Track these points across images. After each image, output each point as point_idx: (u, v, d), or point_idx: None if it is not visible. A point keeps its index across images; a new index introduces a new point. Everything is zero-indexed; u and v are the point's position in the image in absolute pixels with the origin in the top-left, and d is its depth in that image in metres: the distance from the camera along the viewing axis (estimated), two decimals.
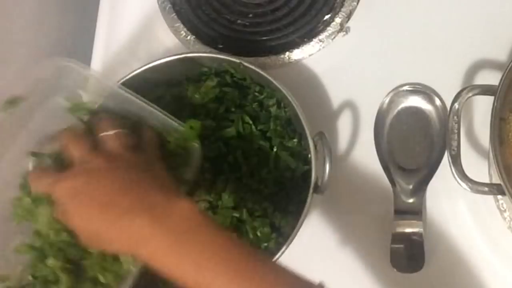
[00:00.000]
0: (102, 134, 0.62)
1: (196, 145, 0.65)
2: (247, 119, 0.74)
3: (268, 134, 0.74)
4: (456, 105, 0.68)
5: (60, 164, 0.62)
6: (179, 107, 0.75)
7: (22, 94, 0.65)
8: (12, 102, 0.64)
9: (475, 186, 0.66)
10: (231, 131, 0.73)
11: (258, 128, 0.74)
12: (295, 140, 0.73)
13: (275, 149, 0.73)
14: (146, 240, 0.53)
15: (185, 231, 0.53)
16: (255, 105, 0.75)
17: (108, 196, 0.55)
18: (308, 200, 0.68)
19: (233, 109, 0.74)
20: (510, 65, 0.66)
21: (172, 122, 0.65)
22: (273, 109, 0.75)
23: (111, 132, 0.61)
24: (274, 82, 0.73)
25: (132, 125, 0.65)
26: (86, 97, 0.67)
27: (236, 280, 0.52)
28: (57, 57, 0.67)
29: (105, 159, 0.59)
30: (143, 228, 0.53)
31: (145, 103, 0.66)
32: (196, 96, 0.75)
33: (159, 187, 0.57)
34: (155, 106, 0.66)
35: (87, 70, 0.68)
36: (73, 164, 0.60)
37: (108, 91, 0.67)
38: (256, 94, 0.75)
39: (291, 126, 0.74)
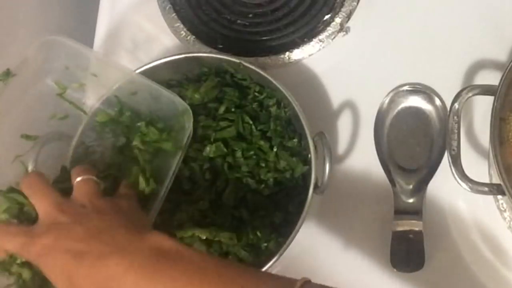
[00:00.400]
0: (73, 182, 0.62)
1: (186, 106, 0.65)
2: (247, 119, 0.74)
3: (268, 134, 0.74)
4: (456, 105, 0.68)
5: (25, 215, 0.62)
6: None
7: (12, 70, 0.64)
8: (3, 75, 0.64)
9: (475, 186, 0.66)
10: (231, 131, 0.73)
11: (258, 128, 0.74)
12: (295, 140, 0.73)
13: (275, 149, 0.73)
14: (121, 277, 0.54)
15: (158, 261, 0.54)
16: (255, 105, 0.75)
17: (80, 244, 0.56)
18: (308, 200, 0.68)
19: (233, 109, 0.74)
20: (510, 65, 0.66)
21: (163, 90, 0.66)
22: (273, 109, 0.75)
23: (79, 179, 0.61)
24: (274, 82, 0.73)
25: (106, 171, 0.65)
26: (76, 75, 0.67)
27: None
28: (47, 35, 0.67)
29: (72, 213, 0.58)
30: (117, 267, 0.54)
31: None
32: (196, 96, 0.75)
33: (129, 228, 0.57)
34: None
35: (76, 44, 0.68)
36: (39, 218, 0.59)
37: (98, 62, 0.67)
38: (256, 94, 0.75)
39: (291, 126, 0.74)
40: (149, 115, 0.66)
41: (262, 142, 0.73)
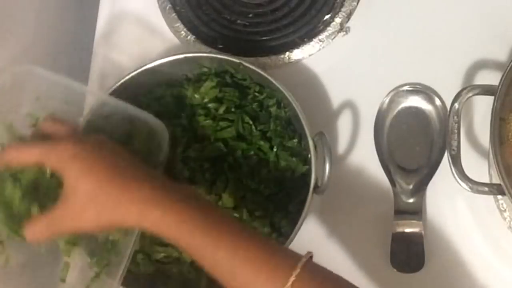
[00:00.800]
0: None
1: (161, 125, 0.65)
2: (247, 119, 0.74)
3: (268, 134, 0.73)
4: (456, 105, 0.68)
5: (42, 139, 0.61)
6: (179, 107, 0.76)
7: None
8: None
9: (475, 186, 0.66)
10: (231, 131, 0.73)
11: (258, 128, 0.74)
12: (295, 140, 0.73)
13: (275, 149, 0.73)
14: (157, 203, 0.54)
15: (189, 196, 0.56)
16: (255, 105, 0.75)
17: (111, 163, 0.56)
18: (308, 200, 0.68)
19: (233, 109, 0.74)
20: (510, 65, 0.66)
21: (137, 111, 0.66)
22: (273, 109, 0.75)
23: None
24: (274, 82, 0.73)
25: None
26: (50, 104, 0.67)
27: (239, 243, 0.54)
28: (18, 65, 0.67)
29: (94, 138, 0.59)
30: (154, 191, 0.55)
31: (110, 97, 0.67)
32: (196, 96, 0.75)
33: (140, 168, 0.58)
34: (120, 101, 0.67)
35: (46, 73, 0.67)
36: (61, 137, 0.60)
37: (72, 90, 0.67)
38: (256, 94, 0.75)
39: (291, 126, 0.74)
40: (123, 137, 0.65)
41: (262, 142, 0.73)
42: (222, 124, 0.73)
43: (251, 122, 0.74)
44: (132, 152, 0.60)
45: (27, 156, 0.58)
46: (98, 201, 0.55)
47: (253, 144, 0.73)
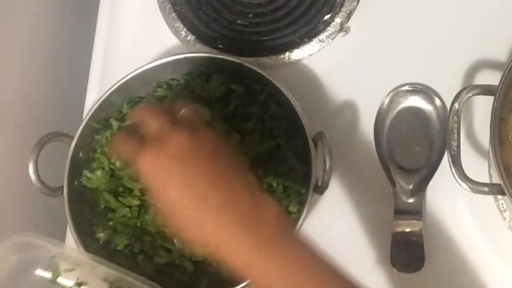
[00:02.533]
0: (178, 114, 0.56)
1: None
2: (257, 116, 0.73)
3: (274, 133, 0.73)
4: (456, 105, 0.68)
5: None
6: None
7: None
8: None
9: (475, 186, 0.66)
10: (248, 125, 0.72)
11: (266, 125, 0.73)
12: (300, 139, 0.73)
13: (282, 149, 0.72)
14: (233, 239, 0.51)
15: (272, 238, 0.52)
16: (257, 103, 0.75)
17: (201, 185, 0.52)
18: (308, 200, 0.68)
19: (240, 108, 0.74)
20: (510, 65, 0.66)
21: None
22: (273, 109, 0.75)
23: (184, 110, 0.56)
24: (274, 82, 0.73)
25: None
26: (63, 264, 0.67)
27: None
28: (17, 235, 0.67)
29: (189, 132, 0.53)
30: (232, 227, 0.51)
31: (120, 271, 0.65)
32: (204, 94, 0.74)
33: (245, 183, 0.54)
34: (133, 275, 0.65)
35: (51, 245, 0.68)
36: (153, 132, 0.54)
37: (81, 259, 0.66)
38: (258, 93, 0.75)
39: (293, 126, 0.74)
40: None
41: (271, 141, 0.73)
42: (233, 124, 0.73)
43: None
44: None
45: (122, 149, 0.55)
46: (173, 215, 0.53)
47: (262, 145, 0.73)
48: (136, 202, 0.72)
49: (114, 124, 0.76)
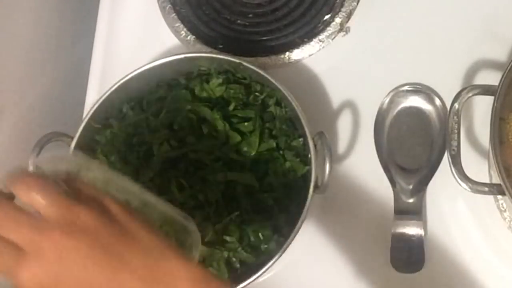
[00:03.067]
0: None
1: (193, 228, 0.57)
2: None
3: (274, 133, 0.73)
4: (456, 105, 0.68)
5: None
6: (180, 108, 0.75)
7: None
8: None
9: (475, 186, 0.66)
10: (248, 126, 0.72)
11: (266, 126, 0.73)
12: (300, 139, 0.72)
13: (281, 149, 0.72)
14: None
15: None
16: (257, 104, 0.75)
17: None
18: (308, 200, 0.68)
19: (239, 108, 0.74)
20: (510, 65, 0.66)
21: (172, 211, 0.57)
22: (273, 109, 0.74)
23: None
24: (274, 82, 0.73)
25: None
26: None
27: None
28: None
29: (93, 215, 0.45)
30: None
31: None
32: (204, 94, 0.74)
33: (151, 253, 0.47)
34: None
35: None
36: (46, 213, 0.45)
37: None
38: (257, 94, 0.75)
39: (293, 126, 0.74)
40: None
41: (271, 141, 0.73)
42: (235, 120, 0.73)
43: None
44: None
45: (15, 236, 0.45)
46: None
47: (264, 143, 0.73)
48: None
49: (114, 124, 0.75)
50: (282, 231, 0.70)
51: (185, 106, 0.73)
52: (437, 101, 0.77)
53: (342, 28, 0.82)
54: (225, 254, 0.69)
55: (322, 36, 0.82)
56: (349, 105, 0.80)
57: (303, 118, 0.71)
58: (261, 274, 0.66)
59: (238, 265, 0.70)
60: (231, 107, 0.74)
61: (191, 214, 0.68)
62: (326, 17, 0.83)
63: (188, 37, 0.85)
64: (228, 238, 0.69)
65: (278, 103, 0.74)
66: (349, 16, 0.82)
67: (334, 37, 0.82)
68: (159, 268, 0.46)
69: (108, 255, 0.45)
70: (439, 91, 0.77)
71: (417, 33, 0.81)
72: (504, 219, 0.73)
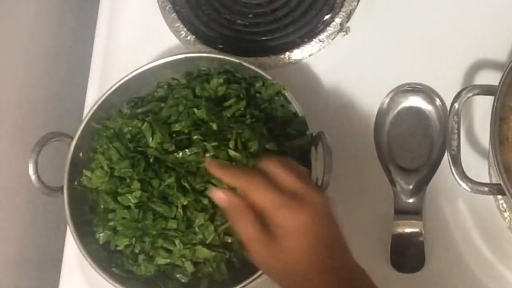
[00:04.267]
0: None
1: None
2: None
3: (275, 133, 0.73)
4: (456, 105, 0.68)
5: None
6: (181, 109, 0.75)
7: None
8: None
9: (475, 186, 0.66)
10: (248, 125, 0.72)
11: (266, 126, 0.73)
12: (300, 139, 0.72)
13: (282, 149, 0.72)
14: None
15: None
16: (258, 104, 0.75)
17: (324, 248, 0.58)
18: None
19: (242, 109, 0.74)
20: (510, 65, 0.66)
21: None
22: (273, 109, 0.74)
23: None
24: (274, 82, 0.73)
25: None
26: None
27: None
28: None
29: (322, 195, 0.60)
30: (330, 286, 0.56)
31: None
32: (205, 94, 0.74)
33: (338, 243, 0.60)
34: None
35: None
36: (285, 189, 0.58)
37: None
38: (258, 94, 0.75)
39: (293, 126, 0.74)
40: None
41: (271, 142, 0.72)
42: (235, 120, 0.72)
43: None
44: None
45: (257, 196, 0.58)
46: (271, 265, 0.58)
47: (264, 143, 0.72)
48: (134, 200, 0.71)
49: (114, 124, 0.75)
50: None
51: (186, 106, 0.73)
52: (437, 101, 0.77)
53: (342, 28, 0.82)
54: (226, 254, 0.69)
55: (322, 36, 0.82)
56: (349, 105, 0.80)
57: (303, 118, 0.71)
58: (261, 274, 0.66)
59: (238, 265, 0.70)
60: (231, 107, 0.73)
61: (195, 217, 0.69)
62: (326, 17, 0.83)
63: (188, 37, 0.85)
64: (229, 239, 0.69)
65: (278, 103, 0.74)
66: (349, 16, 0.82)
67: (334, 37, 0.82)
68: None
69: (339, 239, 0.60)
70: (439, 91, 0.77)
71: (417, 33, 0.81)
72: (504, 219, 0.73)
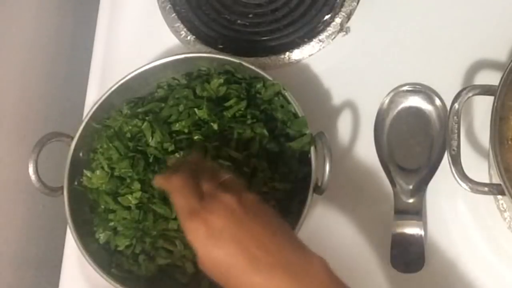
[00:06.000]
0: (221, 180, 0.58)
1: None
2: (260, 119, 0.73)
3: (276, 133, 0.73)
4: (456, 105, 0.68)
5: None
6: (181, 108, 0.75)
7: None
8: None
9: (475, 186, 0.66)
10: (248, 126, 0.72)
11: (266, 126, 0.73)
12: (300, 139, 0.72)
13: (282, 150, 0.72)
14: None
15: None
16: (258, 104, 0.75)
17: (251, 244, 0.54)
18: (308, 200, 0.68)
19: (243, 109, 0.74)
20: (510, 65, 0.66)
21: None
22: (273, 109, 0.74)
23: (226, 177, 0.58)
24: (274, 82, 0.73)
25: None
26: None
27: None
28: None
29: (237, 196, 0.56)
30: (280, 286, 0.53)
31: None
32: (205, 94, 0.74)
33: (292, 242, 0.56)
34: None
35: None
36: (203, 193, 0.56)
37: None
38: (258, 95, 0.75)
39: (293, 126, 0.74)
40: None
41: (272, 144, 0.72)
42: (235, 121, 0.72)
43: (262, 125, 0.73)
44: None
45: (180, 201, 0.57)
46: (215, 267, 0.55)
47: (264, 143, 0.72)
48: (134, 200, 0.71)
49: (114, 124, 0.75)
50: None
51: (187, 106, 0.73)
52: (437, 101, 0.77)
53: (342, 28, 0.82)
54: None
55: (322, 36, 0.82)
56: (349, 105, 0.80)
57: (303, 118, 0.71)
58: None
59: None
60: (232, 107, 0.73)
61: None
62: (326, 17, 0.83)
63: (188, 37, 0.85)
64: None
65: (278, 103, 0.74)
66: (349, 16, 0.82)
67: (334, 37, 0.82)
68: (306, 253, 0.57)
69: (267, 235, 0.55)
70: (439, 91, 0.77)
71: (417, 33, 0.81)
72: (504, 219, 0.73)
